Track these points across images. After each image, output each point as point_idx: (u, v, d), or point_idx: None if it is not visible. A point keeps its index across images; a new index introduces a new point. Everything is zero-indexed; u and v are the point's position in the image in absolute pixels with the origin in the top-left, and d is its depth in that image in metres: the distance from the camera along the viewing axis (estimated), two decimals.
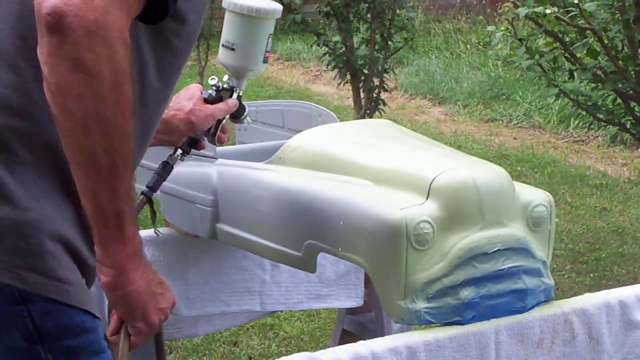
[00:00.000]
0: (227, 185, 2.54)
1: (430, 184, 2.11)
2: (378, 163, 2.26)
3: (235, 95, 2.29)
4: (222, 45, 2.26)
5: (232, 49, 2.23)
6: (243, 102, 2.33)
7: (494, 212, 2.12)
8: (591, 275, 5.23)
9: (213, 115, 2.25)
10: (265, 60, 2.27)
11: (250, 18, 2.20)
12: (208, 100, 2.25)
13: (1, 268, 1.63)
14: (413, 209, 2.07)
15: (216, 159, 2.62)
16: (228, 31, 2.24)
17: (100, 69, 1.55)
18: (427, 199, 2.10)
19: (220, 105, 2.26)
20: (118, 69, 1.57)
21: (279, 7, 2.23)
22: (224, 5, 2.24)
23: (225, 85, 2.28)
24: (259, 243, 2.43)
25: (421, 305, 2.07)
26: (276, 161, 2.43)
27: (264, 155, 2.54)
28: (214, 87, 2.27)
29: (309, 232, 2.25)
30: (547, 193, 2.26)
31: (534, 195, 2.23)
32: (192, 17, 1.80)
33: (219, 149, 2.65)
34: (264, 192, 2.40)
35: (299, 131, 2.56)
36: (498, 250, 2.11)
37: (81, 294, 1.71)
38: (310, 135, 2.45)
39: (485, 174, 2.16)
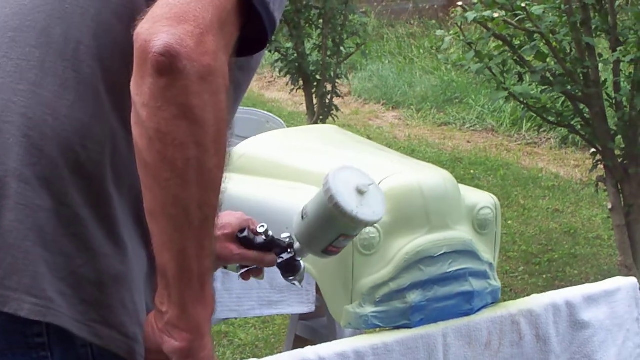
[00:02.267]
0: None
1: None
2: (324, 168, 2.25)
3: (286, 256, 1.85)
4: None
5: (302, 218, 1.81)
6: (301, 263, 1.89)
7: (440, 216, 2.14)
8: (544, 276, 5.27)
9: (228, 262, 1.87)
10: (327, 252, 1.83)
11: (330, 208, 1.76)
12: (243, 243, 1.84)
13: (79, 321, 1.50)
14: None
15: None
16: (312, 198, 1.82)
17: (206, 117, 1.41)
18: None
19: (252, 254, 1.84)
20: (220, 118, 1.44)
21: (369, 218, 1.76)
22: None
23: (282, 239, 1.86)
24: None
25: (369, 309, 2.08)
26: None
27: None
28: (263, 235, 1.85)
29: None
30: (493, 196, 2.28)
31: (480, 198, 2.25)
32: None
33: None
34: None
35: (248, 138, 2.56)
36: (444, 253, 2.13)
37: (141, 352, 1.57)
38: (256, 142, 2.45)
39: (430, 178, 2.18)
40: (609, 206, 4.95)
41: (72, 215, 1.51)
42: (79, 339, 1.51)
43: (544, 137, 7.98)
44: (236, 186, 2.34)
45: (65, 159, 1.51)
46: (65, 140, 1.51)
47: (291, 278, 1.91)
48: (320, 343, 2.10)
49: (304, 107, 7.03)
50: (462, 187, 2.25)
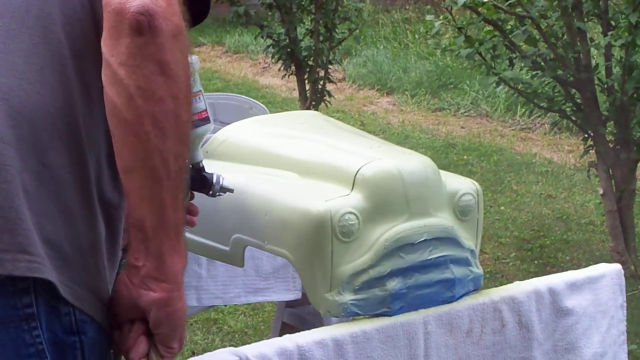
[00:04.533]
0: None
1: (355, 175, 2.09)
2: (304, 155, 2.24)
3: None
4: None
5: None
6: (209, 173, 2.04)
7: (420, 202, 2.11)
8: (536, 262, 5.25)
9: None
10: None
11: None
12: None
13: (63, 283, 1.53)
14: (338, 201, 2.06)
15: None
16: None
17: (179, 72, 1.52)
18: (352, 190, 2.09)
19: None
20: (188, 75, 1.55)
21: None
22: None
23: None
24: (188, 238, 2.40)
25: (348, 297, 2.06)
26: (203, 155, 2.40)
27: None
28: None
29: (235, 226, 2.23)
30: (475, 182, 2.26)
31: (461, 185, 2.23)
32: None
33: None
34: None
35: (230, 124, 2.54)
36: (424, 240, 2.11)
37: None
38: (237, 128, 2.43)
39: (410, 163, 2.15)
40: (601, 192, 4.93)
41: (53, 176, 1.55)
42: (63, 308, 1.54)
43: (538, 122, 7.95)
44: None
45: (43, 122, 1.54)
46: (40, 103, 1.55)
47: (212, 192, 2.00)
48: (308, 330, 2.08)
49: (297, 93, 7.00)
50: (443, 173, 2.22)
